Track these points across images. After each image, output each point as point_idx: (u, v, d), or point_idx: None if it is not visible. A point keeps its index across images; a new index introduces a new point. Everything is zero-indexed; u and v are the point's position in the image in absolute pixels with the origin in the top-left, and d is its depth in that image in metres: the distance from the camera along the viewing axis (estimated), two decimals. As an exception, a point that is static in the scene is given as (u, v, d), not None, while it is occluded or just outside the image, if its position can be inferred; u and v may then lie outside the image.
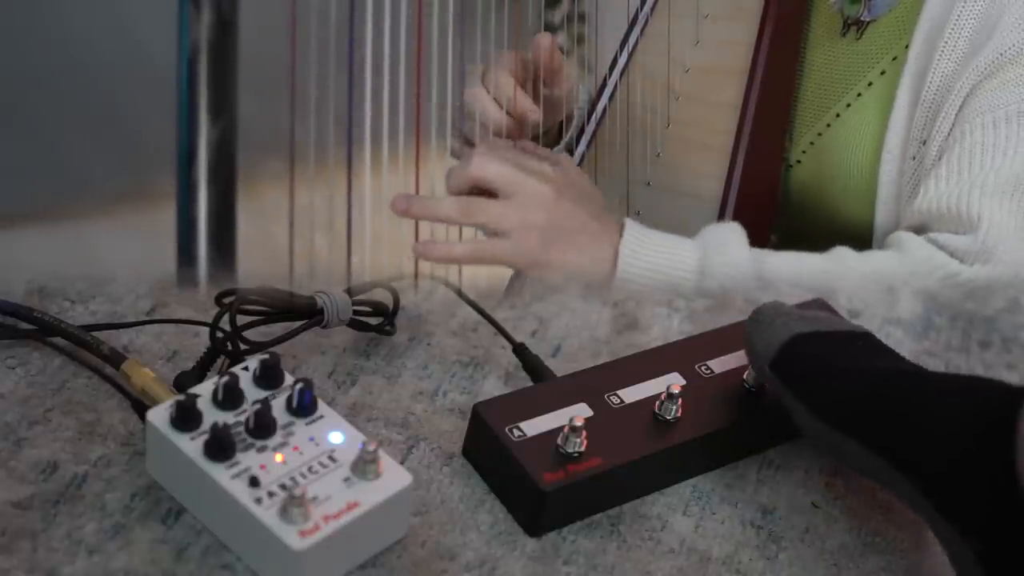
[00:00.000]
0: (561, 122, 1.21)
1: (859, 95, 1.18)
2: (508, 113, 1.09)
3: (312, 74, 0.96)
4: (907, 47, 1.15)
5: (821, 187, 1.20)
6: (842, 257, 1.07)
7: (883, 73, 1.17)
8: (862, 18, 1.18)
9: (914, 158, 1.11)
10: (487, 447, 0.86)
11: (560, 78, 1.11)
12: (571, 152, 1.24)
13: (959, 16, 1.11)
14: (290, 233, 0.98)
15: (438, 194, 1.05)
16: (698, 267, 1.05)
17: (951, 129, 1.10)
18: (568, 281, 1.03)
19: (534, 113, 1.10)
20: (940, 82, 1.11)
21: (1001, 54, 1.08)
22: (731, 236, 1.07)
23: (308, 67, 0.96)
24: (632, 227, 1.06)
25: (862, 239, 1.15)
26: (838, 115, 1.19)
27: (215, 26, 0.92)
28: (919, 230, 1.09)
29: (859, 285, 1.04)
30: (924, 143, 1.11)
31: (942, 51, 1.11)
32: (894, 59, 1.17)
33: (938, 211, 1.07)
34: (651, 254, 1.05)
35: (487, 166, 1.03)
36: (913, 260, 1.05)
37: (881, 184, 1.14)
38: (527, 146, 1.10)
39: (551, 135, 1.21)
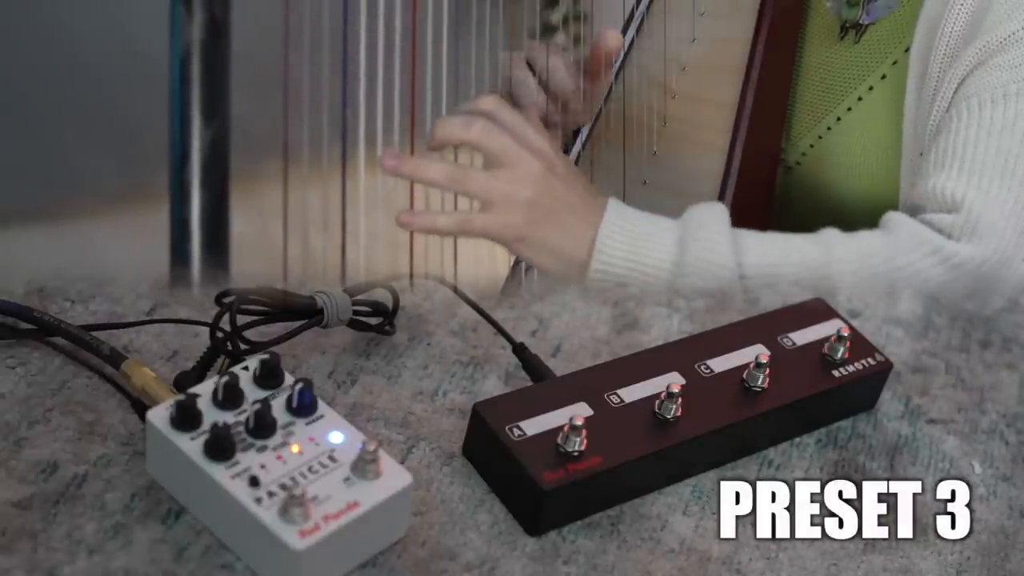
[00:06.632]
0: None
1: (860, 99, 1.18)
2: (550, 95, 1.10)
3: (306, 73, 0.96)
4: (907, 51, 1.15)
5: (825, 189, 1.19)
6: (829, 242, 1.05)
7: (883, 78, 1.17)
8: (861, 21, 1.18)
9: (921, 154, 1.11)
10: (487, 447, 0.86)
11: (599, 75, 1.11)
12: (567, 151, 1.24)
13: (951, 12, 1.11)
14: (284, 233, 0.98)
15: (432, 199, 1.04)
16: (674, 259, 1.02)
17: (942, 117, 1.10)
18: (548, 258, 1.01)
19: (576, 99, 1.11)
20: (937, 78, 1.11)
21: (987, 43, 1.08)
22: (712, 217, 1.04)
23: (302, 66, 0.96)
24: (613, 209, 1.03)
25: None
26: (839, 119, 1.19)
27: (207, 26, 0.91)
28: (913, 213, 1.08)
29: (847, 271, 1.02)
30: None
31: (936, 49, 1.11)
32: (894, 63, 1.17)
33: (930, 194, 1.07)
34: (627, 243, 1.02)
35: (491, 136, 1.00)
36: (899, 237, 1.04)
37: (903, 176, 1.14)
38: (531, 116, 1.06)
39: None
